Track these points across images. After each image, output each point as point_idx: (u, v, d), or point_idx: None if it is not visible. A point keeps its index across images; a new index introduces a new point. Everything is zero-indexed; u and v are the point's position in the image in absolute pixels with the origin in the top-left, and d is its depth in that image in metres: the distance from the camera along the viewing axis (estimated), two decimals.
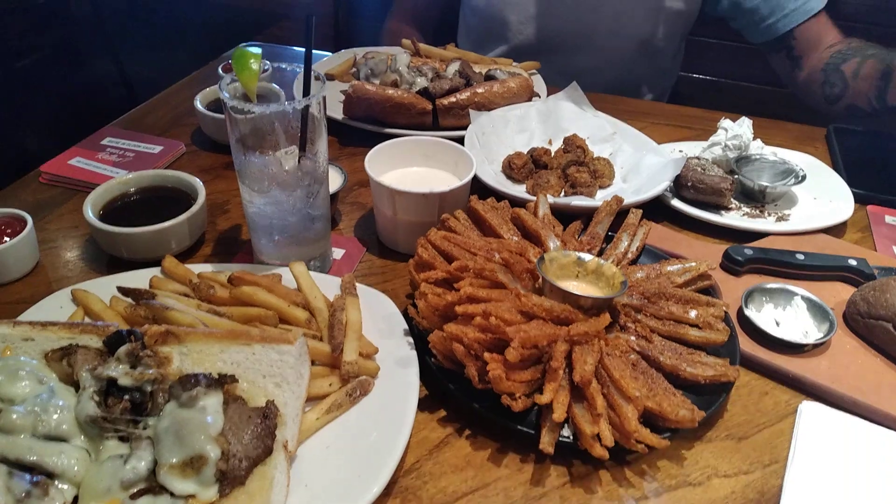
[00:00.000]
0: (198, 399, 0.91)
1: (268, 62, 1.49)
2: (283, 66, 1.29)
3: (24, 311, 1.17)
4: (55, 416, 0.91)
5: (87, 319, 1.18)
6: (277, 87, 1.78)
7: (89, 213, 1.32)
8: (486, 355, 1.01)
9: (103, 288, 1.22)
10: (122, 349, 0.98)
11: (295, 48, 2.44)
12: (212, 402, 0.92)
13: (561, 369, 1.03)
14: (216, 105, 1.75)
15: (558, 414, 0.98)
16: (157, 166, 1.64)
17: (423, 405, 1.11)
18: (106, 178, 1.56)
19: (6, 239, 1.29)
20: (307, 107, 1.15)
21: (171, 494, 0.86)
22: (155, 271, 1.26)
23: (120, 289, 1.21)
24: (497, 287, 1.17)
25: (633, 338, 1.17)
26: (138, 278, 1.24)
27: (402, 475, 1.01)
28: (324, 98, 1.18)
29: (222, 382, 0.94)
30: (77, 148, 1.67)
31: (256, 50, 1.21)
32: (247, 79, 1.18)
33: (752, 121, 1.68)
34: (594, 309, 1.16)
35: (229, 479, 0.88)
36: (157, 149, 1.69)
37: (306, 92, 1.18)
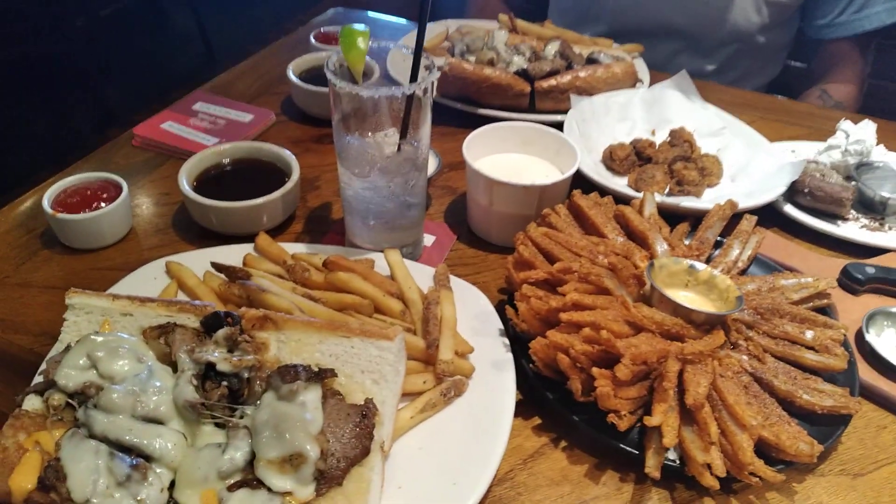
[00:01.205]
0: (298, 393, 0.88)
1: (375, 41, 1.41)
2: (388, 45, 1.23)
3: (119, 280, 1.16)
4: (154, 398, 0.90)
5: (180, 293, 1.17)
6: (371, 59, 1.74)
7: (184, 183, 1.30)
8: (595, 371, 0.95)
9: (197, 261, 1.20)
10: (221, 333, 0.96)
11: (376, 14, 2.37)
12: (311, 397, 0.89)
13: (672, 390, 0.97)
14: (309, 75, 1.71)
15: (669, 439, 0.92)
16: (248, 136, 1.62)
17: (518, 411, 1.06)
18: (198, 145, 1.55)
19: (102, 205, 1.28)
20: (413, 93, 1.09)
21: (268, 489, 0.84)
22: (248, 248, 1.24)
23: (214, 264, 1.19)
24: (602, 293, 1.10)
25: (745, 357, 1.09)
26: (232, 254, 1.22)
27: (496, 484, 0.97)
28: (432, 84, 1.12)
29: (322, 376, 0.92)
30: (169, 111, 1.66)
31: (364, 28, 1.16)
32: (354, 58, 1.13)
33: (875, 124, 1.55)
34: (706, 324, 1.09)
35: (326, 479, 0.86)
36: (248, 117, 1.67)
37: (414, 77, 1.12)
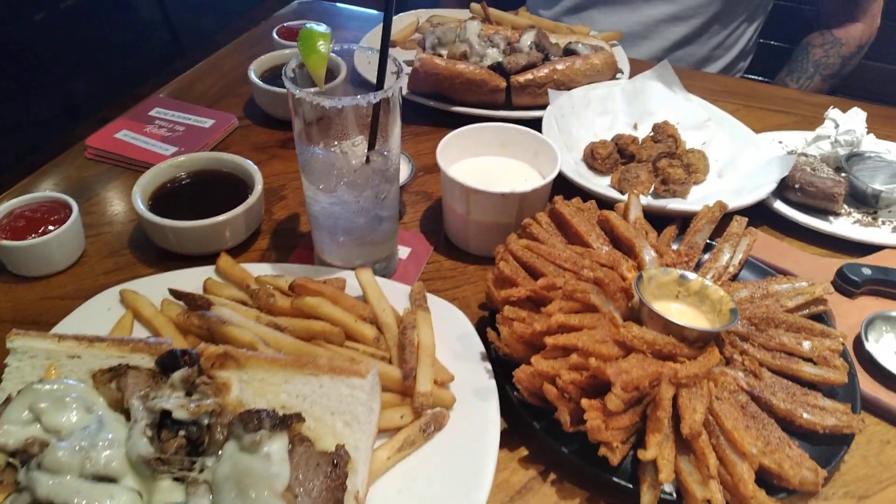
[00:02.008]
0: (261, 444, 0.81)
1: (336, 44, 1.30)
2: (351, 47, 1.14)
3: (71, 313, 1.08)
4: (105, 454, 0.82)
5: (136, 325, 1.08)
6: (336, 57, 1.64)
7: (139, 202, 1.21)
8: (585, 403, 0.88)
9: (154, 287, 1.12)
10: (177, 375, 0.88)
11: (343, 5, 2.27)
12: (277, 447, 0.81)
13: (667, 418, 0.90)
14: (272, 75, 1.62)
15: (665, 474, 0.86)
16: (209, 142, 1.52)
17: (503, 441, 0.99)
18: (154, 154, 1.46)
19: (51, 228, 1.19)
20: (380, 101, 1.01)
21: None
22: (209, 270, 1.16)
23: (172, 291, 1.11)
24: (589, 310, 1.04)
25: (740, 374, 1.03)
26: (192, 278, 1.14)
27: None
28: (400, 90, 1.04)
29: (287, 423, 0.84)
30: (124, 119, 1.56)
31: (324, 29, 1.08)
32: (314, 63, 1.05)
33: (866, 113, 1.49)
34: (699, 341, 1.02)
35: None
36: (209, 122, 1.57)
37: (380, 83, 1.04)
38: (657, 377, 0.94)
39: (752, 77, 2.46)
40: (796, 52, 2.18)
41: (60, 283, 1.21)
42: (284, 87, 1.41)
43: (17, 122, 4.54)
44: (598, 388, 0.92)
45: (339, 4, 2.25)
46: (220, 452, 0.83)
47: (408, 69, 1.66)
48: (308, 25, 1.07)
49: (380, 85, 1.04)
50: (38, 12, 5.08)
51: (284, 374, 0.90)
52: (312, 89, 1.05)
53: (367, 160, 1.08)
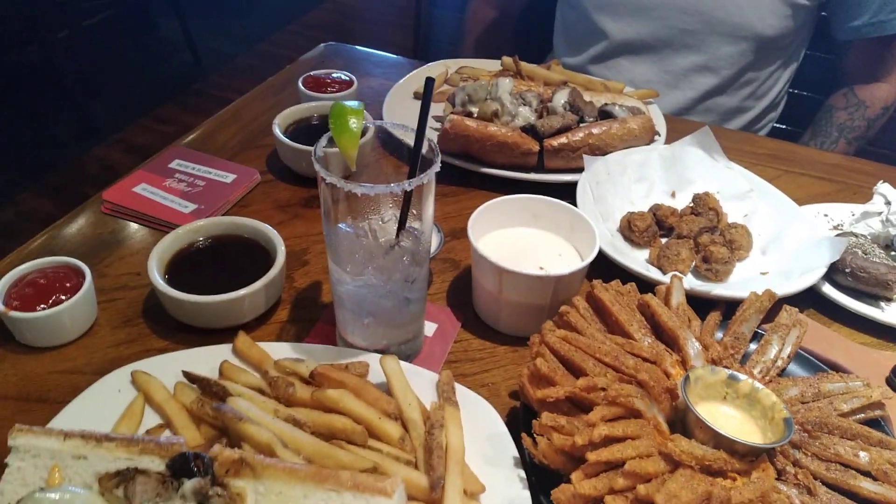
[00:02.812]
0: None
1: (371, 121, 1.22)
2: (384, 125, 1.08)
3: (79, 395, 1.01)
4: None
5: (147, 409, 1.02)
6: (360, 105, 1.59)
7: (155, 273, 1.15)
8: None
9: (167, 367, 1.06)
10: (189, 486, 0.82)
11: (374, 51, 2.22)
12: None
13: None
14: (297, 129, 1.56)
15: None
16: (230, 200, 1.47)
17: None
18: (173, 211, 1.41)
19: (62, 297, 1.13)
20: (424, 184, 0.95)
21: None
22: (226, 350, 1.09)
23: (187, 374, 1.05)
24: (632, 415, 0.96)
25: (794, 492, 0.95)
26: (208, 358, 1.08)
27: None
28: (435, 176, 0.98)
29: None
30: (143, 171, 1.51)
31: (357, 105, 1.02)
32: (346, 143, 0.99)
33: None
34: (751, 455, 0.95)
35: None
36: (230, 177, 1.52)
37: (413, 170, 0.98)
38: (707, 497, 0.87)
39: (783, 126, 2.39)
40: (819, 115, 2.11)
41: (70, 355, 1.15)
42: (310, 143, 1.36)
43: (36, 141, 4.55)
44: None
45: (363, 48, 2.20)
46: None
47: (437, 125, 1.61)
48: (342, 103, 1.01)
49: (413, 170, 0.98)
50: (61, 30, 5.12)
51: (304, 487, 0.84)
52: (338, 177, 0.99)
53: (398, 242, 1.01)
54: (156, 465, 0.86)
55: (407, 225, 1.02)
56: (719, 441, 0.94)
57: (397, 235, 1.01)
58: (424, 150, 0.99)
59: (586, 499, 0.85)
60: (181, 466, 0.84)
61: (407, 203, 0.99)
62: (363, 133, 1.06)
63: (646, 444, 0.91)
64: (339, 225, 1.01)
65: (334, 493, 0.83)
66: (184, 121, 4.42)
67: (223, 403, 0.96)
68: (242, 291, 1.14)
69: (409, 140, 1.01)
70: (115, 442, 0.88)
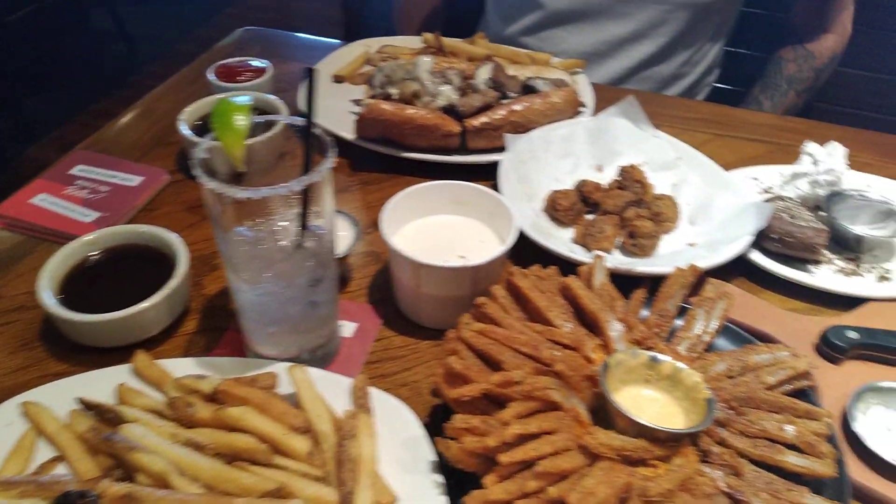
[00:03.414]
0: None
1: (284, 117, 1.11)
2: (277, 118, 1.01)
3: None
4: None
5: (41, 443, 0.95)
6: (276, 98, 1.52)
7: (44, 294, 1.07)
8: None
9: (62, 395, 0.99)
10: None
11: (301, 35, 2.13)
12: None
13: None
14: (206, 124, 1.48)
15: None
16: (136, 204, 1.39)
17: None
18: (73, 222, 1.32)
19: None
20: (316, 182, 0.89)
21: None
22: (125, 372, 1.03)
23: (82, 401, 0.98)
24: (550, 408, 0.93)
25: (719, 473, 0.93)
26: (106, 381, 1.01)
27: None
28: (332, 169, 0.92)
29: None
30: (42, 180, 1.42)
31: (246, 100, 0.95)
32: (231, 142, 0.92)
33: (846, 150, 1.39)
34: (672, 440, 0.92)
35: None
36: (137, 180, 1.43)
37: (307, 166, 0.91)
38: (627, 490, 0.84)
39: (724, 86, 2.36)
40: (769, 67, 2.08)
41: None
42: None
43: None
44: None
45: (285, 32, 2.11)
46: None
47: (358, 109, 1.54)
48: (228, 99, 0.94)
49: (307, 168, 0.92)
50: None
51: None
52: (227, 178, 0.92)
53: (299, 244, 0.95)
54: None
55: (309, 224, 0.95)
56: (640, 429, 0.91)
57: (298, 236, 0.94)
58: (317, 145, 0.92)
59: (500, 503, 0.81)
60: None
61: (306, 202, 0.93)
62: (269, 129, 0.99)
63: (563, 439, 0.88)
64: (239, 229, 0.95)
65: None
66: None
67: (114, 433, 0.90)
68: (141, 306, 1.07)
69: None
70: None
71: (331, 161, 0.91)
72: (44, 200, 1.37)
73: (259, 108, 1.49)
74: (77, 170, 1.45)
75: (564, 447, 0.87)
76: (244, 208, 0.93)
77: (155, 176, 1.45)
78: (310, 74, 0.91)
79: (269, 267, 0.95)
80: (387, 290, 1.24)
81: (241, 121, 0.93)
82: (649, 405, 0.98)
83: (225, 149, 0.92)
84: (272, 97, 1.51)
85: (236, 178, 0.96)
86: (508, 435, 0.85)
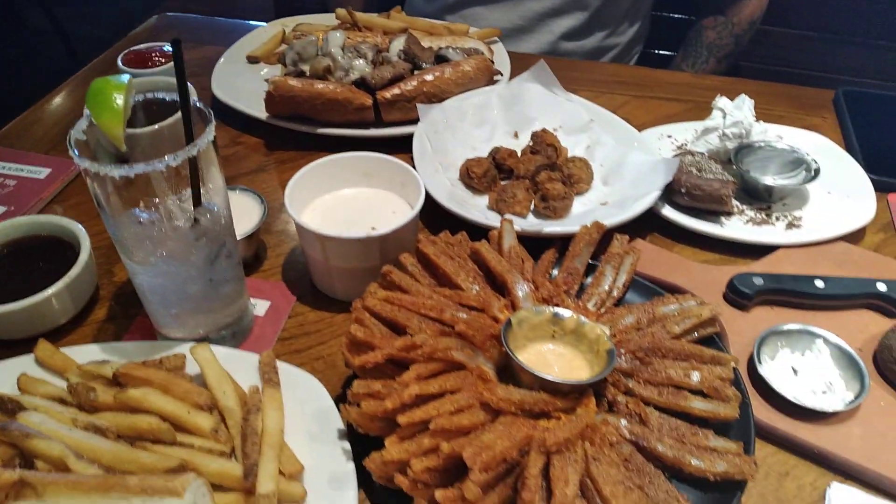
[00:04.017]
0: None
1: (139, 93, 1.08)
2: (162, 97, 0.99)
3: None
4: None
5: None
6: (126, 78, 1.49)
7: None
8: (439, 495, 0.77)
9: None
10: None
11: (219, 18, 2.09)
12: None
13: (537, 495, 0.80)
14: None
15: None
16: (44, 197, 1.35)
17: None
18: None
19: None
20: (195, 156, 0.87)
21: None
22: (28, 362, 1.01)
23: None
24: (454, 368, 0.93)
25: (624, 422, 0.94)
26: (6, 373, 0.99)
27: None
28: (213, 141, 0.90)
29: None
30: None
31: (123, 79, 0.93)
32: (109, 122, 0.90)
33: (753, 101, 1.41)
34: (575, 392, 0.93)
35: None
36: (45, 172, 1.40)
37: (189, 136, 0.90)
38: (527, 442, 0.85)
39: (653, 52, 2.39)
40: (690, 36, 2.11)
41: None
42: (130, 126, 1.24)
43: None
44: (461, 467, 0.82)
45: (202, 16, 2.07)
46: None
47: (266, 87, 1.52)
48: (105, 78, 0.92)
49: (189, 138, 0.90)
50: None
51: (89, 499, 0.77)
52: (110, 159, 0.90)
53: (194, 221, 0.94)
54: None
55: (202, 202, 0.94)
56: (542, 382, 0.92)
57: (192, 213, 0.93)
58: (198, 113, 0.91)
59: (398, 464, 0.81)
60: None
61: (195, 176, 0.91)
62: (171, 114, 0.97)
63: (465, 397, 0.88)
64: (134, 211, 0.92)
65: (122, 501, 0.77)
66: None
67: (11, 421, 0.88)
68: (43, 294, 1.05)
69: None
70: None
71: (210, 134, 0.89)
72: None
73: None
74: None
75: (466, 405, 0.87)
76: (128, 190, 0.90)
77: (63, 167, 1.42)
78: (175, 46, 0.88)
79: (161, 246, 0.93)
80: (301, 268, 1.24)
81: (120, 100, 0.91)
82: (555, 360, 0.99)
83: (103, 129, 0.90)
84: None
85: (123, 161, 0.94)
86: (407, 396, 0.85)
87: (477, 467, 0.78)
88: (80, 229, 1.15)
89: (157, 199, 0.93)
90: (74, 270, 1.08)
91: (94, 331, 1.13)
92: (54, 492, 0.78)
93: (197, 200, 0.93)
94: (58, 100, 1.69)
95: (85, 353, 1.02)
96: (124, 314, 1.15)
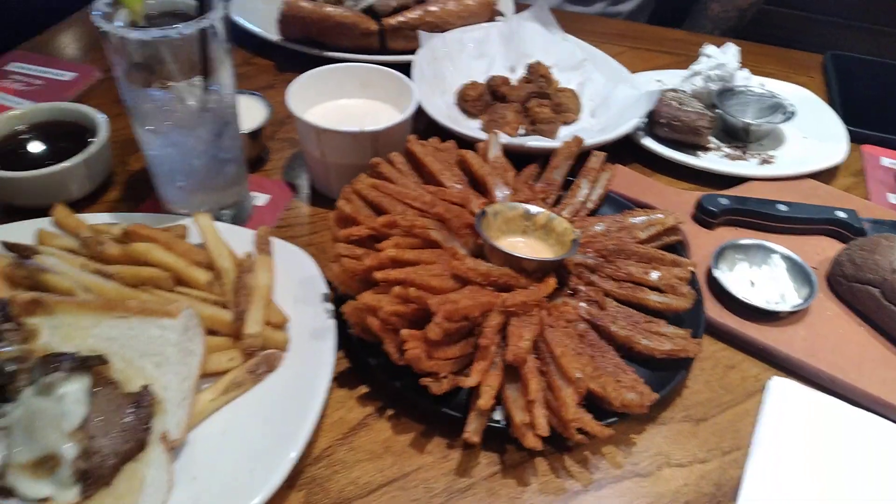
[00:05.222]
0: (56, 386, 0.78)
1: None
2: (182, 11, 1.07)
3: None
4: None
5: None
6: None
7: None
8: (404, 332, 0.86)
9: None
10: None
11: None
12: (74, 388, 0.78)
13: (493, 346, 0.89)
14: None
15: (485, 400, 0.85)
16: (68, 96, 1.45)
17: (344, 381, 0.98)
18: (6, 109, 1.38)
19: None
20: (205, 30, 0.96)
21: (24, 497, 0.74)
22: (45, 222, 1.10)
23: (4, 243, 1.05)
24: (431, 247, 1.02)
25: (583, 304, 1.03)
26: (27, 230, 1.08)
27: (311, 463, 0.89)
28: (226, 17, 0.99)
29: (90, 365, 0.81)
30: None
31: None
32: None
33: (739, 48, 1.49)
34: (540, 272, 1.01)
35: (92, 479, 0.75)
36: (70, 76, 1.50)
37: (202, 8, 0.99)
38: (489, 307, 0.93)
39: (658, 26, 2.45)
40: (694, 9, 2.17)
41: None
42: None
43: None
44: (428, 319, 0.90)
45: None
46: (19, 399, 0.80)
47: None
48: None
49: (202, 10, 0.99)
50: None
51: (94, 317, 0.87)
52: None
53: (202, 96, 1.03)
54: None
55: (210, 81, 1.03)
56: (509, 262, 1.00)
57: (203, 84, 1.01)
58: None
59: (367, 308, 0.90)
60: None
61: (203, 50, 0.99)
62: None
63: (438, 269, 0.97)
64: (137, 89, 1.02)
65: (122, 319, 0.86)
66: None
67: (29, 259, 0.98)
68: (60, 166, 1.15)
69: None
70: None
71: (221, 10, 0.97)
72: None
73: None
74: (12, 66, 1.51)
75: (439, 274, 0.96)
76: (150, 63, 0.99)
77: (87, 73, 1.52)
78: None
79: (172, 116, 1.02)
80: (301, 172, 1.33)
81: None
82: (524, 250, 1.07)
83: (126, 5, 0.99)
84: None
85: None
86: (384, 256, 0.94)
87: (440, 315, 0.86)
88: (100, 116, 1.24)
89: (169, 80, 1.02)
90: (93, 148, 1.18)
91: (107, 208, 1.22)
92: (63, 310, 0.87)
93: (205, 71, 1.01)
94: (84, 17, 1.78)
95: (96, 219, 1.11)
96: (135, 197, 1.25)
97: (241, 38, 1.63)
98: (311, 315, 1.01)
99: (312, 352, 0.96)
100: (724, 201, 1.23)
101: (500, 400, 0.90)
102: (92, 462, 0.75)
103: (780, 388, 1.00)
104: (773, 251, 1.15)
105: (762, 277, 1.14)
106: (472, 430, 0.87)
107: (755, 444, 0.92)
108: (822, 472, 0.89)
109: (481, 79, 1.52)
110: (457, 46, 1.53)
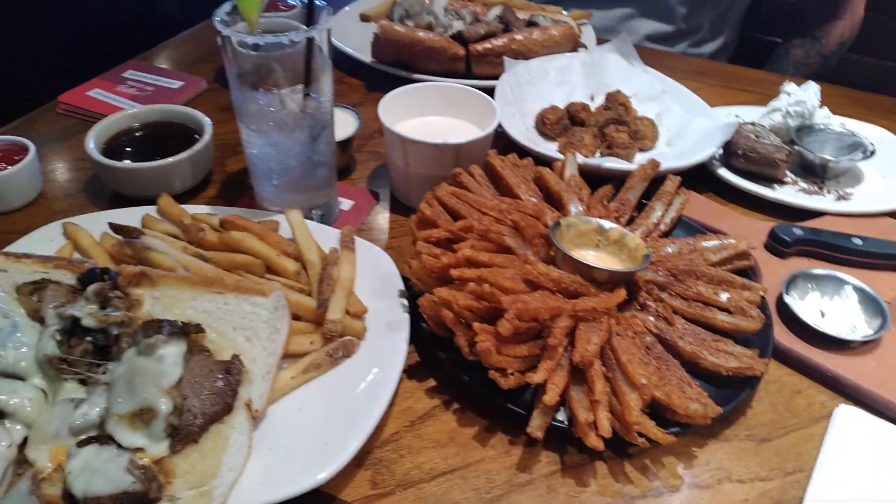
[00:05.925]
0: (156, 347, 0.85)
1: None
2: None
3: (13, 242, 1.13)
4: (14, 353, 0.87)
5: (76, 255, 1.13)
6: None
7: (91, 145, 1.26)
8: (476, 325, 0.91)
9: (97, 223, 1.17)
10: (91, 288, 0.93)
11: None
12: (172, 351, 0.85)
13: (560, 347, 0.92)
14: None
15: (550, 396, 0.88)
16: (175, 102, 1.57)
17: (414, 373, 1.03)
18: (120, 110, 1.51)
19: (7, 167, 1.25)
20: (311, 40, 1.05)
21: (119, 445, 0.80)
22: (150, 209, 1.20)
23: (111, 225, 1.16)
24: (503, 252, 1.06)
25: (651, 318, 1.05)
26: (133, 215, 1.19)
27: (379, 446, 0.93)
28: (328, 31, 1.08)
29: (187, 332, 0.88)
30: (98, 79, 1.63)
31: None
32: (247, 6, 1.09)
33: (819, 87, 1.50)
34: (610, 283, 1.04)
35: (182, 435, 0.82)
36: (178, 84, 1.63)
37: (310, 20, 1.08)
38: (558, 311, 0.96)
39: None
40: (777, 51, 2.18)
41: (12, 220, 1.26)
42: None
43: None
44: (498, 318, 0.94)
45: None
46: (121, 358, 0.87)
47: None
48: None
49: (310, 22, 1.08)
50: None
51: (193, 291, 0.95)
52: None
53: (302, 102, 1.11)
54: (68, 278, 0.98)
55: (311, 89, 1.11)
56: (580, 271, 1.03)
57: (304, 90, 1.10)
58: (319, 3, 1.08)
59: (442, 302, 0.95)
60: (89, 279, 0.95)
61: (308, 59, 1.08)
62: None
63: (510, 273, 1.01)
64: (248, 92, 1.11)
65: (219, 294, 0.94)
66: None
67: (136, 238, 1.08)
68: (169, 160, 1.25)
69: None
70: (33, 259, 1.00)
71: (329, 20, 1.06)
72: (97, 93, 1.57)
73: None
74: (128, 73, 1.66)
75: (511, 277, 1.00)
76: (258, 69, 1.09)
77: (194, 82, 1.64)
78: None
79: (274, 118, 1.11)
80: (384, 182, 1.40)
81: None
82: (595, 262, 1.10)
83: (242, 14, 1.09)
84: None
85: None
86: (461, 255, 0.99)
87: (512, 311, 0.90)
88: (205, 119, 1.35)
89: (276, 87, 1.11)
90: (198, 146, 1.28)
91: (204, 204, 1.32)
92: (166, 283, 0.96)
93: (307, 80, 1.10)
94: (195, 32, 1.93)
95: (196, 210, 1.21)
96: (231, 195, 1.34)
97: (335, 58, 1.71)
98: (388, 309, 1.06)
99: (387, 342, 1.01)
100: (797, 231, 1.23)
101: (563, 401, 0.93)
102: (183, 419, 0.82)
103: (848, 416, 0.99)
104: (846, 282, 1.15)
105: (833, 308, 1.14)
106: (536, 426, 0.89)
107: (818, 467, 0.92)
108: (885, 501, 0.88)
109: (561, 105, 1.58)
110: (539, 73, 1.59)
